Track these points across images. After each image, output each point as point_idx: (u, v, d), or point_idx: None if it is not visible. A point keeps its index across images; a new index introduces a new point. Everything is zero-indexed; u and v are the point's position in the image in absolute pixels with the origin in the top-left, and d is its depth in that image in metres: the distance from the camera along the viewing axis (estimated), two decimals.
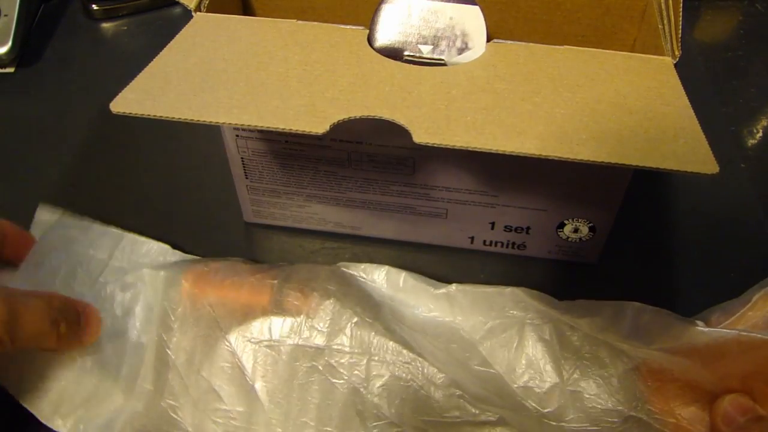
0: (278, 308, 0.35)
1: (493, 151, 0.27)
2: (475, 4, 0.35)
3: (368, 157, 0.37)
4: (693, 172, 0.26)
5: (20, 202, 0.44)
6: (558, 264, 0.41)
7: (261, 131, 0.37)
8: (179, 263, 0.38)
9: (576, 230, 0.39)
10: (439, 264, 0.41)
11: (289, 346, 0.34)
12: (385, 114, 0.28)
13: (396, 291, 0.37)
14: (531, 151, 0.27)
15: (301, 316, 0.35)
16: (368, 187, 0.38)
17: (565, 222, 0.38)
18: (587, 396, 0.33)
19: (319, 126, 0.27)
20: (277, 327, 0.34)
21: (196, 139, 0.49)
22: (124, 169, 0.47)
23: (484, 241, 0.41)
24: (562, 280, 0.40)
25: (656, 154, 0.26)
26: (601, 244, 0.40)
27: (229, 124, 0.27)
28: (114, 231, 0.40)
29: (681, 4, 0.34)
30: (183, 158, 0.48)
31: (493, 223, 0.40)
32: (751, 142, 0.49)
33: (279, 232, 0.43)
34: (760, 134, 0.49)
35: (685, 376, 0.33)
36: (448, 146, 0.27)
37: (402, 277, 0.38)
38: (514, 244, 0.41)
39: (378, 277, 0.38)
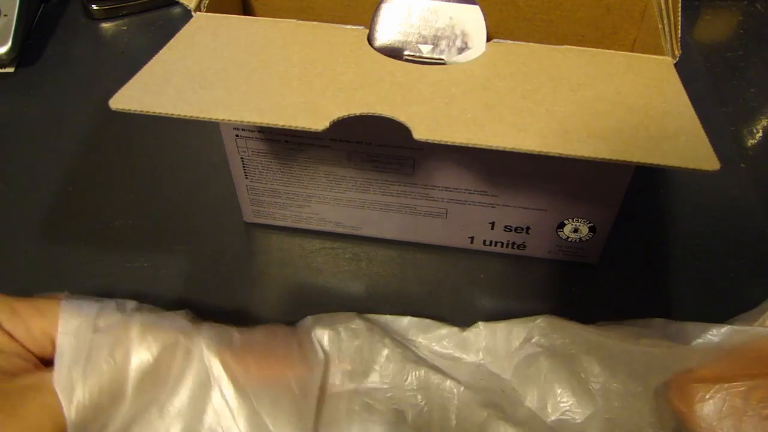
0: (306, 361, 0.34)
1: (493, 148, 0.27)
2: (475, 3, 0.35)
3: (368, 157, 0.37)
4: (694, 169, 0.26)
5: (20, 202, 0.44)
6: (558, 264, 0.41)
7: (261, 131, 0.37)
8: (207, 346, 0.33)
9: (576, 230, 0.39)
10: (439, 264, 0.41)
11: (327, 394, 0.33)
12: (385, 111, 0.28)
13: (417, 336, 0.37)
14: (532, 148, 0.27)
15: (334, 361, 0.34)
16: (368, 187, 0.38)
17: (565, 222, 0.38)
18: (625, 422, 0.32)
19: (318, 123, 0.27)
20: (316, 378, 0.33)
21: (196, 140, 0.49)
22: (123, 169, 0.47)
23: (484, 241, 0.41)
24: (562, 280, 0.40)
25: (657, 152, 0.26)
26: (601, 244, 0.40)
27: (229, 120, 0.27)
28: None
29: (680, 4, 0.34)
30: (183, 158, 0.48)
31: (493, 223, 0.40)
32: (751, 142, 0.49)
33: (279, 232, 0.43)
34: (760, 134, 0.49)
35: (724, 375, 0.32)
36: (448, 143, 0.27)
37: (425, 324, 0.37)
38: (514, 244, 0.41)
39: (399, 325, 0.37)
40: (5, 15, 0.53)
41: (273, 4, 0.44)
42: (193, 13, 0.35)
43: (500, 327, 0.36)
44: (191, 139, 0.49)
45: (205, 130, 0.49)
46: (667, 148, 0.26)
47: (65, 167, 0.47)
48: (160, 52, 0.31)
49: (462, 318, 0.38)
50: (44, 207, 0.44)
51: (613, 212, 0.37)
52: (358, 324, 0.35)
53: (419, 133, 0.27)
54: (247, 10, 0.44)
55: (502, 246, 0.41)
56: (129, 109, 0.27)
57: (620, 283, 0.40)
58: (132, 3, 0.59)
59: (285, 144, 0.37)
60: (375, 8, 0.35)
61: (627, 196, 0.36)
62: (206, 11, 0.35)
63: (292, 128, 0.27)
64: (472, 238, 0.41)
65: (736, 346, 0.32)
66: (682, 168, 0.26)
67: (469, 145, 0.27)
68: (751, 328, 0.32)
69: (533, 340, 0.35)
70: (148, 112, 0.27)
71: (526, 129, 0.27)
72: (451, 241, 0.41)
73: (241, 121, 0.27)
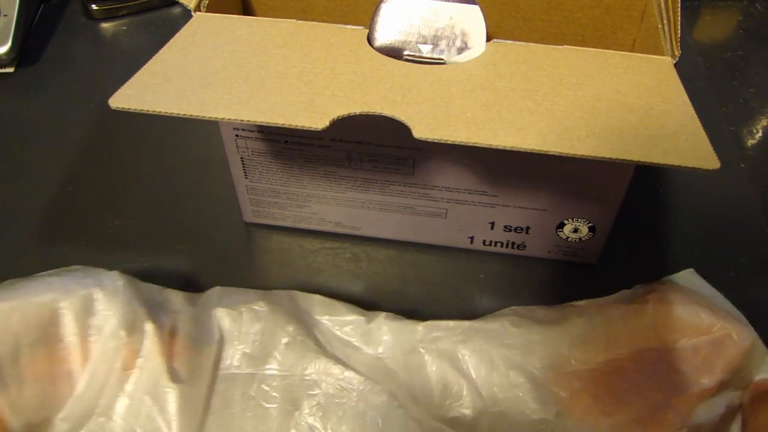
0: (203, 338, 0.34)
1: (493, 147, 0.27)
2: (475, 3, 0.35)
3: (368, 157, 0.37)
4: (694, 168, 0.26)
5: (20, 202, 0.44)
6: (558, 264, 0.41)
7: (260, 131, 0.37)
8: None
9: (576, 230, 0.39)
10: (439, 264, 0.41)
11: (222, 375, 0.33)
12: (385, 110, 0.28)
13: (323, 316, 0.37)
14: (531, 147, 0.27)
15: (232, 343, 0.34)
16: (368, 187, 0.38)
17: (565, 222, 0.38)
18: (512, 413, 0.33)
19: (318, 122, 0.27)
20: (208, 358, 0.33)
21: (196, 140, 0.49)
22: (123, 169, 0.47)
23: (484, 241, 0.41)
24: (561, 280, 0.40)
25: (657, 151, 0.26)
26: (601, 244, 0.40)
27: (228, 119, 0.27)
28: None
29: (679, 4, 0.34)
30: (183, 158, 0.48)
31: (492, 223, 0.40)
32: (751, 142, 0.49)
33: (279, 232, 0.43)
34: (760, 134, 0.49)
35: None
36: (447, 141, 0.27)
37: (333, 306, 0.37)
38: (513, 244, 0.41)
39: (307, 303, 0.37)
40: (5, 15, 0.53)
41: (273, 4, 0.44)
42: (192, 13, 0.35)
43: (399, 325, 0.36)
44: (191, 139, 0.49)
45: (205, 130, 0.49)
46: (667, 147, 0.26)
47: (65, 167, 0.47)
48: (160, 51, 0.31)
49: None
50: (44, 207, 0.44)
51: (613, 212, 0.37)
52: (261, 306, 0.35)
53: (419, 132, 0.27)
54: (247, 10, 0.44)
55: (501, 246, 0.41)
56: (129, 108, 0.27)
57: (620, 283, 0.40)
58: (132, 3, 0.59)
59: (285, 144, 0.37)
60: (375, 8, 0.35)
61: (627, 196, 0.36)
62: (206, 11, 0.35)
63: (291, 127, 0.27)
64: (471, 238, 0.41)
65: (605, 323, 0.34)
66: (683, 167, 0.26)
67: (469, 144, 0.27)
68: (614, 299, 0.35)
69: (420, 342, 0.35)
70: (147, 110, 0.27)
71: (526, 128, 0.27)
72: (451, 241, 0.41)
73: (241, 120, 0.27)
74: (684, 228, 0.43)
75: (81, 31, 0.58)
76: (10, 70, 0.54)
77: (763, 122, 0.50)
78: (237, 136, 0.37)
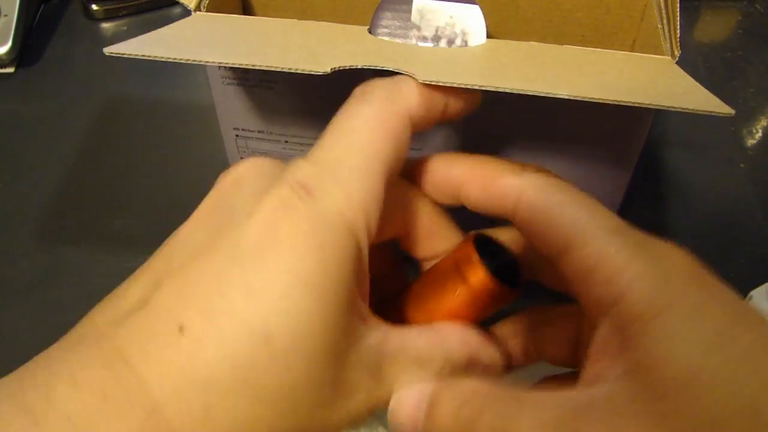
0: None
1: (500, 90, 0.26)
2: (475, 3, 0.35)
3: None
4: (710, 112, 0.25)
5: (20, 202, 0.44)
6: None
7: (261, 131, 0.37)
8: None
9: None
10: None
11: None
12: (389, 65, 0.28)
13: None
14: (540, 90, 0.26)
15: None
16: None
17: None
18: None
19: (320, 68, 0.26)
20: None
21: (196, 140, 0.49)
22: (124, 168, 0.47)
23: None
24: None
25: (672, 100, 0.26)
26: None
27: (226, 63, 0.27)
28: None
29: (678, 4, 0.34)
30: (183, 158, 0.48)
31: (493, 222, 0.39)
32: (751, 142, 0.49)
33: None
34: (760, 134, 0.49)
35: None
36: (454, 85, 0.26)
37: None
38: None
39: None
40: (5, 15, 0.53)
41: (273, 4, 0.44)
42: (192, 13, 0.35)
43: None
44: (191, 139, 0.49)
45: (206, 130, 0.49)
46: (680, 99, 0.26)
47: (65, 167, 0.47)
48: (160, 29, 0.32)
49: None
50: (44, 207, 0.44)
51: (613, 212, 0.37)
52: None
53: (424, 76, 0.26)
54: (247, 10, 0.44)
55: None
56: (123, 53, 0.27)
57: None
58: (132, 3, 0.59)
59: (285, 144, 0.37)
60: (375, 8, 0.35)
61: (627, 197, 0.36)
62: (206, 11, 0.35)
63: (291, 71, 0.26)
64: None
65: None
66: (699, 111, 0.25)
67: (483, 88, 0.26)
68: None
69: None
70: (142, 55, 0.27)
71: (534, 79, 0.27)
72: None
73: (240, 65, 0.27)
74: (684, 228, 0.43)
75: (81, 31, 0.58)
76: (10, 70, 0.54)
77: (763, 122, 0.50)
78: (237, 136, 0.37)
